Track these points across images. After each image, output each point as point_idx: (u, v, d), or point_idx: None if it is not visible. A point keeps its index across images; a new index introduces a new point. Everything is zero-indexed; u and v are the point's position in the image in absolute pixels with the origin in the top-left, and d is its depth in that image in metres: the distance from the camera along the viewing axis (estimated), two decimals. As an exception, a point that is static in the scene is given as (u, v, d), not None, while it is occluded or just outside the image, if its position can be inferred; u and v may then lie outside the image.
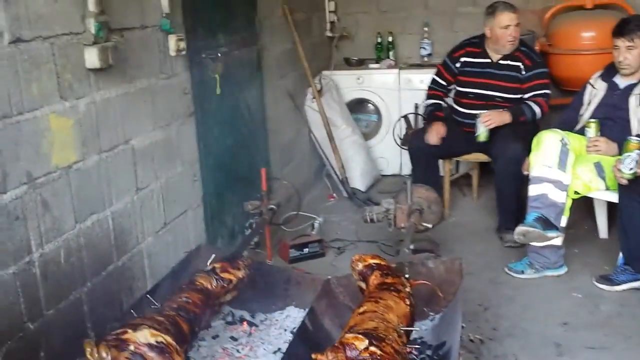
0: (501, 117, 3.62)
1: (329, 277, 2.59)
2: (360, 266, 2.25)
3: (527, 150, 3.31)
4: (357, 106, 4.91)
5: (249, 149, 3.54)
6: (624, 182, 2.82)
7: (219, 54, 3.04)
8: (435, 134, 3.78)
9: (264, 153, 3.76)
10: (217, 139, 3.13)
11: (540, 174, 3.11)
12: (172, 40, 2.64)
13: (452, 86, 3.97)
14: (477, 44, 3.86)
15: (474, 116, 3.72)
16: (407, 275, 2.27)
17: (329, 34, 5.05)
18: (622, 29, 3.17)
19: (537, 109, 3.66)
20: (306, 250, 3.51)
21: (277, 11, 3.99)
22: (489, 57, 3.80)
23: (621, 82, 3.29)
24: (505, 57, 3.75)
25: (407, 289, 2.13)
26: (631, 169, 2.77)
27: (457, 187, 4.49)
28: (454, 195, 4.33)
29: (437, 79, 3.98)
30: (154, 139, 2.59)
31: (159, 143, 2.63)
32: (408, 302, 2.07)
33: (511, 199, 3.36)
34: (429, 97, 4.02)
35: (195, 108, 2.90)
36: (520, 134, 3.52)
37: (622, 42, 3.16)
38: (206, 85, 2.99)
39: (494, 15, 3.67)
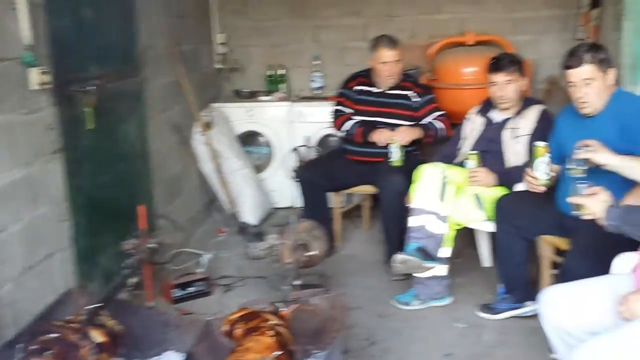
0: (413, 132, 3.71)
1: (210, 318, 2.49)
2: (225, 328, 2.18)
3: (411, 183, 3.38)
4: (248, 139, 4.85)
5: (129, 185, 3.39)
6: (542, 189, 2.77)
7: (92, 87, 2.88)
8: (383, 133, 3.73)
9: (147, 189, 3.60)
10: (91, 175, 2.96)
11: (420, 205, 3.18)
12: (34, 73, 2.47)
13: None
14: (365, 75, 3.96)
15: (367, 145, 3.78)
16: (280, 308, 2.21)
17: (218, 65, 4.98)
18: (498, 65, 3.29)
19: (440, 125, 3.80)
20: (191, 289, 3.37)
21: (161, 42, 3.87)
22: (377, 87, 3.89)
23: (497, 116, 3.41)
24: (393, 87, 3.86)
25: (272, 322, 2.07)
26: (547, 173, 2.74)
27: (349, 219, 4.50)
28: (345, 227, 4.33)
29: (341, 108, 3.99)
30: (13, 178, 2.40)
31: (20, 182, 2.44)
32: (271, 333, 2.01)
33: (396, 231, 3.39)
34: (342, 124, 3.93)
35: (63, 144, 2.72)
36: (405, 166, 3.59)
37: (501, 77, 3.27)
38: (76, 120, 2.82)
39: (375, 50, 3.78)
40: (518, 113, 3.34)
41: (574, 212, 2.24)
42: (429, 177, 3.19)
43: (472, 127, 3.47)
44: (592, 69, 2.54)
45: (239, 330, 2.09)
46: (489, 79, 3.34)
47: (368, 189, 3.93)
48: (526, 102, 3.39)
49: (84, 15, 2.94)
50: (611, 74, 2.58)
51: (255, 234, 4.19)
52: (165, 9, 3.93)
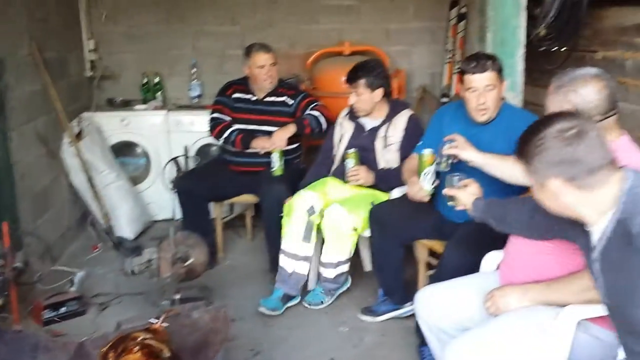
0: (287, 130, 3.71)
1: (84, 339, 2.35)
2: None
3: (292, 191, 3.40)
4: (123, 149, 4.64)
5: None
6: (426, 199, 2.83)
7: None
8: (264, 141, 3.70)
9: (10, 204, 3.35)
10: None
11: (289, 249, 3.28)
12: None
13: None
14: (241, 83, 3.92)
15: (247, 154, 3.76)
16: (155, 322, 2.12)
17: (89, 73, 4.75)
18: (347, 75, 3.34)
19: (317, 113, 3.79)
20: (63, 309, 3.18)
21: (23, 49, 3.62)
22: (255, 95, 3.86)
23: (367, 122, 3.46)
24: (270, 94, 3.84)
25: (141, 339, 1.98)
26: (433, 183, 2.79)
27: (232, 229, 4.44)
28: (229, 237, 4.27)
29: (219, 115, 3.90)
30: None
31: None
32: (138, 348, 1.93)
33: (279, 239, 3.37)
34: (221, 132, 3.84)
35: None
36: (286, 175, 3.60)
37: (351, 88, 3.32)
38: None
39: (250, 55, 3.77)
40: (387, 120, 3.39)
41: (449, 203, 2.37)
42: (296, 217, 3.24)
43: (342, 132, 3.51)
44: (494, 76, 2.64)
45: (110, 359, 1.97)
46: (348, 90, 3.38)
47: (249, 198, 3.90)
48: (394, 107, 3.43)
49: None
50: (504, 85, 2.72)
51: (132, 248, 4.02)
52: (27, 12, 3.68)
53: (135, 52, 4.97)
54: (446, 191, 2.36)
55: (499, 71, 2.66)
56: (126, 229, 4.22)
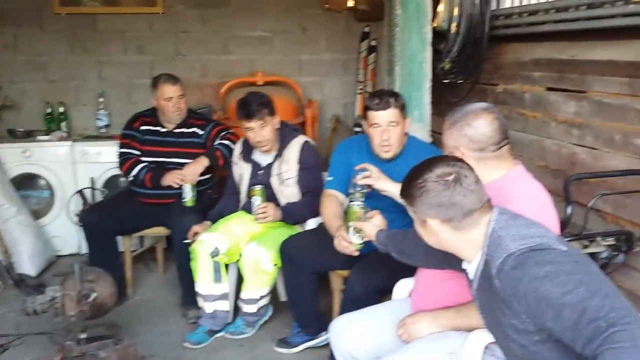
0: (199, 164, 3.60)
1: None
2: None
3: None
4: (25, 182, 4.41)
5: None
6: (356, 253, 2.56)
7: None
8: (175, 176, 3.58)
9: None
10: None
11: (203, 291, 3.22)
12: None
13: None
14: (149, 115, 3.81)
15: (159, 187, 3.64)
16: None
17: (-13, 103, 4.53)
18: (249, 112, 3.16)
19: (227, 142, 3.68)
20: (-45, 355, 2.95)
21: None
22: (163, 127, 3.76)
23: (261, 160, 3.36)
24: (179, 126, 3.74)
25: None
26: (362, 237, 2.48)
27: (143, 262, 4.30)
28: (139, 272, 4.14)
29: (128, 150, 3.76)
30: None
31: None
32: None
33: (191, 271, 3.28)
34: (129, 168, 3.70)
35: None
36: (198, 205, 3.54)
37: (255, 123, 3.17)
38: None
39: (157, 87, 3.67)
40: (279, 155, 3.30)
41: (356, 235, 2.41)
42: (201, 264, 3.19)
43: (241, 171, 3.43)
44: (397, 113, 2.65)
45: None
46: (243, 125, 3.23)
47: (160, 230, 3.79)
48: (284, 137, 3.32)
49: None
50: (407, 122, 2.75)
51: (34, 286, 3.82)
52: None
53: (38, 82, 4.79)
54: (353, 224, 2.39)
55: (402, 108, 2.69)
56: (28, 266, 4.00)
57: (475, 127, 1.94)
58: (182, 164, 3.65)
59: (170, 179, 3.60)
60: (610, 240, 2.39)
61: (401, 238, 2.19)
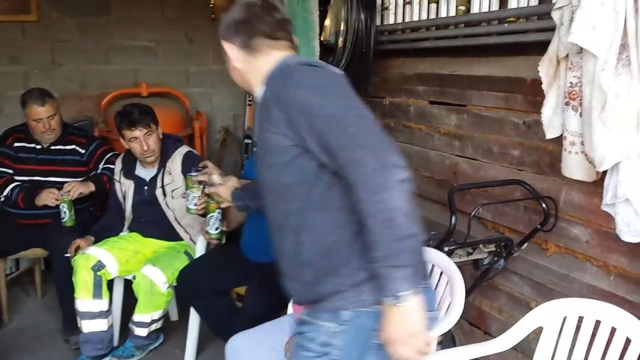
0: (86, 186, 3.38)
1: None
2: None
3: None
4: None
5: None
6: (216, 242, 2.71)
7: None
8: (50, 194, 3.37)
9: None
10: None
11: (81, 307, 3.05)
12: None
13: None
14: (22, 131, 3.57)
15: (34, 207, 3.42)
16: None
17: None
18: (133, 120, 3.05)
19: (113, 166, 3.48)
20: None
21: None
22: (39, 144, 3.53)
23: (145, 174, 3.26)
24: (56, 143, 3.53)
25: None
26: (217, 228, 2.65)
27: (19, 286, 4.03)
28: (15, 296, 3.87)
29: (1, 169, 3.53)
30: None
31: None
32: None
33: (72, 295, 3.09)
34: (1, 188, 3.48)
35: None
36: (78, 224, 3.33)
37: (139, 132, 3.05)
38: None
39: (25, 106, 3.43)
40: (163, 167, 3.21)
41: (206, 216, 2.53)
42: (81, 279, 3.02)
43: (124, 189, 3.30)
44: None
45: None
46: (126, 136, 3.08)
47: (38, 252, 3.57)
48: (167, 148, 3.22)
49: None
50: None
51: None
52: None
53: None
54: (208, 191, 2.36)
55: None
56: None
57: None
58: (61, 183, 3.44)
59: (45, 197, 3.38)
60: (492, 247, 2.51)
61: (252, 186, 2.14)
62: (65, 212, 3.28)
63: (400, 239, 1.36)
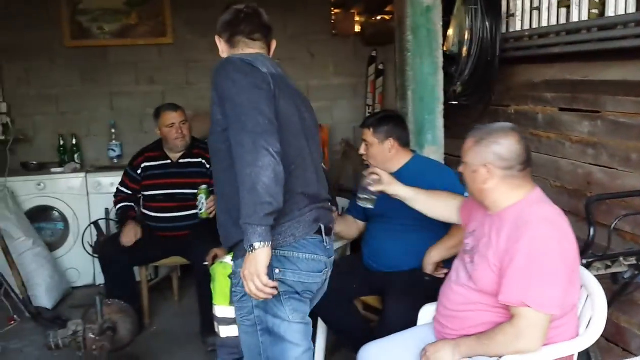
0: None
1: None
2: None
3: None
4: (39, 214, 4.45)
5: None
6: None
7: None
8: (131, 235, 3.61)
9: None
10: None
11: (218, 313, 3.12)
12: None
13: (140, 194, 3.84)
14: (155, 148, 3.84)
15: (168, 219, 3.67)
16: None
17: (1, 137, 4.55)
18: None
19: None
20: (-22, 391, 2.95)
21: None
22: (168, 158, 3.78)
23: None
24: (184, 156, 3.76)
25: None
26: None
27: (158, 292, 4.30)
28: (155, 301, 4.12)
29: (122, 188, 3.86)
30: None
31: None
32: None
33: (211, 303, 3.27)
34: (116, 203, 3.85)
35: None
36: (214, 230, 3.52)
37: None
38: None
39: (159, 116, 3.74)
40: None
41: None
42: (219, 284, 3.09)
43: None
44: (367, 132, 2.96)
45: None
46: None
47: (178, 260, 3.80)
48: None
49: None
50: (387, 142, 2.88)
51: (51, 318, 3.81)
52: None
53: (50, 114, 4.84)
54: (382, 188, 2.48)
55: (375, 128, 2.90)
56: (44, 298, 4.01)
57: (504, 144, 1.97)
58: (186, 195, 3.66)
59: (127, 233, 3.65)
60: (632, 260, 2.39)
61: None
62: (202, 204, 3.39)
63: (257, 205, 1.76)
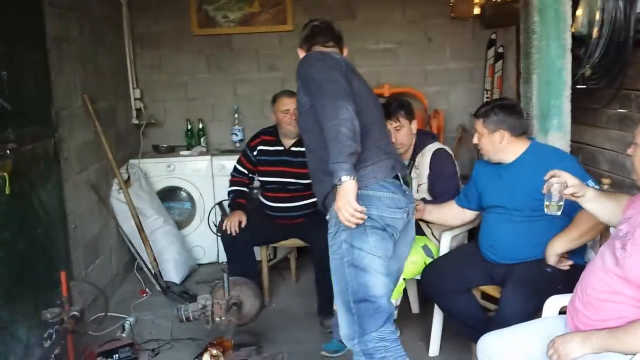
0: None
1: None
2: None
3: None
4: (169, 194, 4.75)
5: (46, 251, 3.20)
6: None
7: (8, 151, 2.74)
8: (234, 224, 3.73)
9: (65, 253, 3.42)
10: (7, 243, 2.79)
11: None
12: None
13: (255, 174, 3.97)
14: (271, 132, 3.94)
15: (282, 209, 3.79)
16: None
17: (135, 121, 4.88)
18: (387, 112, 3.16)
19: None
20: (116, 356, 3.19)
21: (77, 101, 3.75)
22: (282, 145, 3.88)
23: None
24: (296, 144, 3.82)
25: None
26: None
27: (276, 271, 4.46)
28: (273, 281, 4.29)
29: (238, 166, 4.00)
30: None
31: None
32: None
33: (329, 286, 3.36)
34: (230, 184, 3.99)
35: (-21, 212, 2.56)
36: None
37: (391, 124, 3.24)
38: (-8, 185, 2.67)
39: (275, 101, 3.84)
40: (413, 160, 3.35)
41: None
42: None
43: None
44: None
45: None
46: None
47: (296, 242, 3.92)
48: (419, 143, 3.37)
49: (-1, 76, 2.81)
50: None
51: (179, 293, 4.07)
52: (80, 65, 3.83)
53: (178, 100, 5.11)
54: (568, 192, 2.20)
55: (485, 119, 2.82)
56: (173, 273, 4.27)
57: None
58: (296, 184, 3.76)
59: (231, 219, 3.75)
60: None
61: None
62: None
63: (340, 147, 2.11)
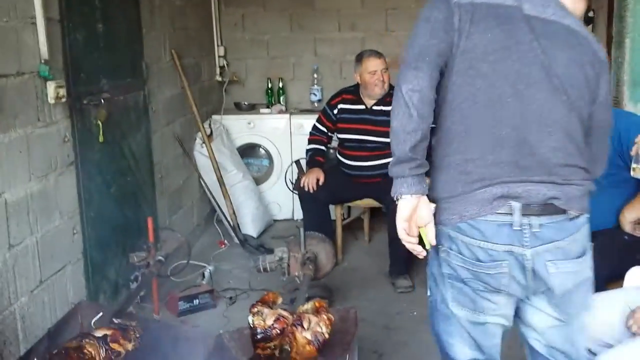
0: None
1: (221, 332, 2.49)
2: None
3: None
4: (248, 151, 4.88)
5: (135, 198, 3.39)
6: None
7: (102, 100, 2.90)
8: (312, 181, 3.79)
9: (151, 201, 3.61)
10: (100, 188, 2.97)
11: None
12: (51, 87, 2.47)
13: (334, 134, 4.02)
14: (352, 91, 3.94)
15: (360, 167, 3.82)
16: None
17: (218, 78, 5.00)
18: None
19: None
20: (196, 301, 3.37)
21: (165, 56, 3.89)
22: (363, 104, 3.87)
23: None
24: (378, 103, 3.81)
25: None
26: None
27: (349, 231, 4.52)
28: (346, 240, 4.35)
29: (318, 125, 4.04)
30: (29, 190, 2.40)
31: (35, 195, 2.44)
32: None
33: (402, 247, 3.38)
34: (309, 142, 4.06)
35: (76, 157, 2.73)
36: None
37: None
38: (88, 132, 2.83)
39: (361, 62, 3.79)
40: None
41: None
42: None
43: None
44: None
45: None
46: None
47: (371, 202, 3.95)
48: None
49: (96, 29, 2.95)
50: None
51: (256, 246, 4.20)
52: (169, 21, 3.95)
53: (260, 58, 5.19)
54: None
55: None
56: (250, 227, 4.41)
57: None
58: (375, 142, 3.74)
59: (309, 176, 3.81)
60: None
61: None
62: None
63: (394, 146, 1.71)
